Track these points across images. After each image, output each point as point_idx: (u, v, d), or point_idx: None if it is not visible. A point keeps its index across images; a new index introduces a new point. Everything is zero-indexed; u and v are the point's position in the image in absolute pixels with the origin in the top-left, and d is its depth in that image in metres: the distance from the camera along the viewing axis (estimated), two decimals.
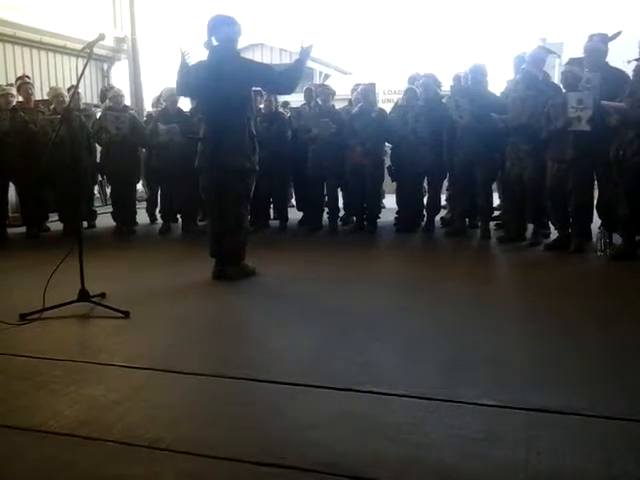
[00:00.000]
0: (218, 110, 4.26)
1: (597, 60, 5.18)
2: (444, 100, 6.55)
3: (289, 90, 4.44)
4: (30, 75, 7.99)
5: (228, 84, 4.18)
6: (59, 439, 2.11)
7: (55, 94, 6.63)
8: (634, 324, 3.31)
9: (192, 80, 4.32)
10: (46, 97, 8.00)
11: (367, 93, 6.52)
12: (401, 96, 6.98)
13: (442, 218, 6.97)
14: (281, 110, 7.17)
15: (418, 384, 2.48)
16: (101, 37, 3.74)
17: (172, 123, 6.58)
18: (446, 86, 6.99)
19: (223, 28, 4.25)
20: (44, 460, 1.99)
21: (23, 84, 6.87)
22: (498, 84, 6.77)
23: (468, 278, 4.53)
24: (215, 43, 4.27)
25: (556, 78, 8.12)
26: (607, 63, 5.24)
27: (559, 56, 10.06)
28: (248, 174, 4.40)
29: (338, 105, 7.19)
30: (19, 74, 7.43)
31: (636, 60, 4.80)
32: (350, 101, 7.30)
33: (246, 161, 4.33)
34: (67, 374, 2.72)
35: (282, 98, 7.78)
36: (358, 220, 6.84)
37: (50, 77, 9.84)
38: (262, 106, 6.81)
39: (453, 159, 6.13)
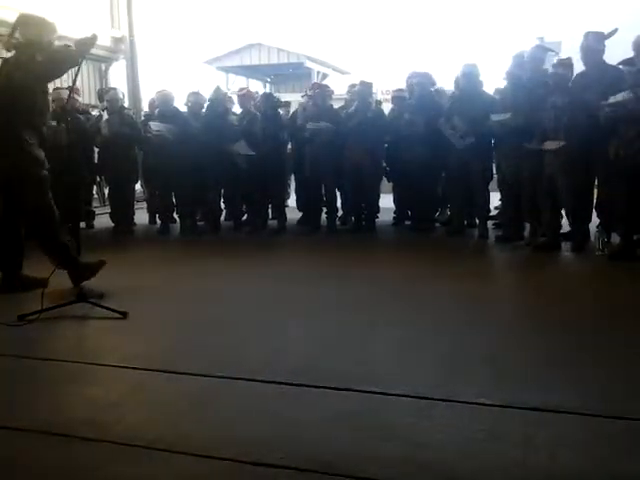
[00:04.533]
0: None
1: (594, 59, 5.19)
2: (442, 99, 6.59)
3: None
4: None
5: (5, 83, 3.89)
6: (58, 439, 2.11)
7: (57, 97, 6.64)
8: (633, 323, 3.31)
9: None
10: None
11: (363, 93, 6.52)
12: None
13: (437, 217, 6.97)
14: (280, 111, 7.16)
15: (417, 383, 2.48)
16: (94, 38, 3.73)
17: (167, 123, 6.62)
18: (441, 84, 7.03)
19: (30, 29, 3.96)
20: (43, 460, 1.99)
21: None
22: (496, 83, 6.79)
23: (466, 277, 4.53)
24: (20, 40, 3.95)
25: None
26: (604, 61, 5.24)
27: (557, 54, 10.07)
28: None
29: (336, 105, 7.20)
30: None
31: (624, 63, 4.84)
32: (346, 101, 7.32)
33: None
34: (66, 375, 2.72)
35: (282, 98, 7.80)
36: (357, 220, 6.84)
37: None
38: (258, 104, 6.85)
39: (449, 158, 6.13)
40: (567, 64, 5.30)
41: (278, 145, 6.68)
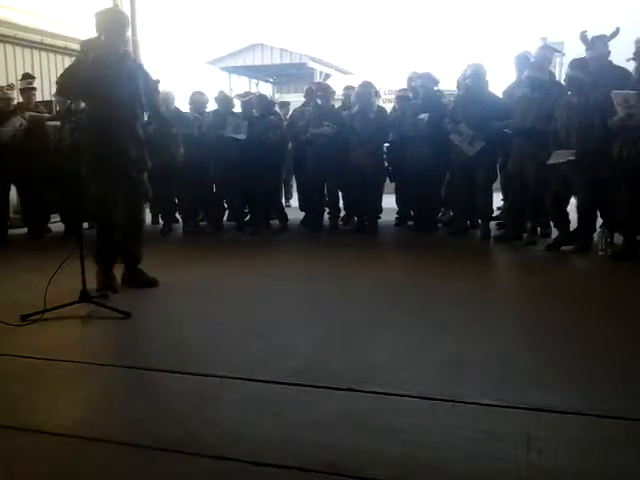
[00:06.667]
0: (112, 106, 3.97)
1: (600, 62, 5.18)
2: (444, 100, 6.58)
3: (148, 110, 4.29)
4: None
5: (122, 80, 3.99)
6: (60, 440, 2.11)
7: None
8: (634, 323, 3.31)
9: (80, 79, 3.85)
10: (47, 98, 8.01)
11: (363, 94, 6.52)
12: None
13: (440, 217, 6.97)
14: (277, 110, 7.17)
15: (418, 384, 2.49)
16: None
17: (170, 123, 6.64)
18: (443, 84, 7.03)
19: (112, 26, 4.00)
20: (44, 460, 2.00)
21: (27, 89, 6.89)
22: (499, 83, 6.80)
23: (468, 277, 4.53)
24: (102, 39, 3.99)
25: (557, 75, 8.13)
26: (610, 62, 5.26)
27: (563, 54, 10.07)
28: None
29: (336, 105, 7.22)
30: (20, 75, 7.42)
31: (632, 59, 4.83)
32: (343, 102, 7.32)
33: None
34: (68, 375, 2.73)
35: (282, 98, 7.81)
36: (359, 220, 6.84)
37: (51, 78, 9.82)
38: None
39: (454, 159, 6.12)
40: (583, 65, 5.23)
41: (266, 146, 6.61)
